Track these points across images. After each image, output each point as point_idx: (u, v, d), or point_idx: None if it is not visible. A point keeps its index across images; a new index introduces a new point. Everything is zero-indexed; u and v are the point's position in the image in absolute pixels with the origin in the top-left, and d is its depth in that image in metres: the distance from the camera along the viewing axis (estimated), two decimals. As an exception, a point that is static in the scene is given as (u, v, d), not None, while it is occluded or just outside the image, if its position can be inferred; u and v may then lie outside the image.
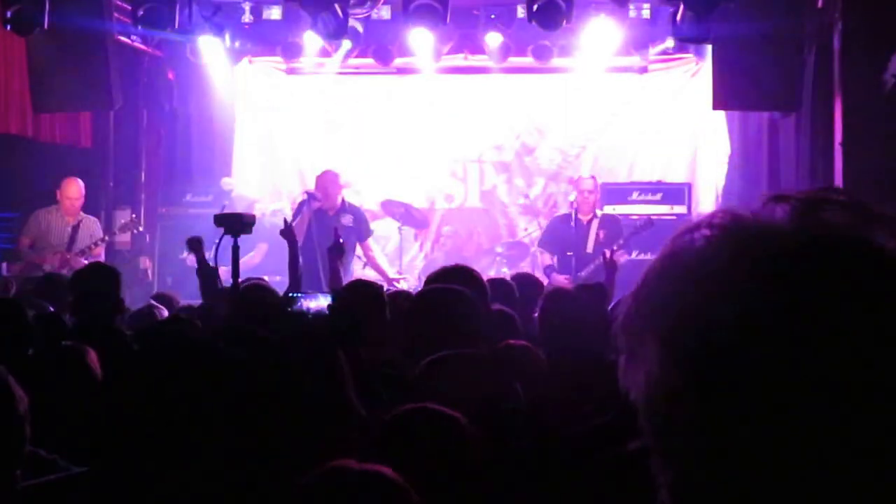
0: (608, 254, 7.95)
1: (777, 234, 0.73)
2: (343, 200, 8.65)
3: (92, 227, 8.84)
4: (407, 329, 2.88)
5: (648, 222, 8.66)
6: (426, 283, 3.86)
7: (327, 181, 8.59)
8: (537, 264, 9.92)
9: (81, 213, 8.84)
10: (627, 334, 0.78)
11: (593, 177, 9.39)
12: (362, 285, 3.84)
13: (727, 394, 0.70)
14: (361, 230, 8.54)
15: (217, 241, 4.44)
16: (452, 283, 3.44)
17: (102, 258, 8.72)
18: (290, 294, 3.32)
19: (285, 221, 6.56)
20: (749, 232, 0.75)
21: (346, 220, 8.43)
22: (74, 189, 8.74)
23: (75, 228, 8.67)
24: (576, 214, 8.79)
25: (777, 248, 0.72)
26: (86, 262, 8.06)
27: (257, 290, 4.06)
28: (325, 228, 8.08)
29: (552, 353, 3.51)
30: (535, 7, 7.69)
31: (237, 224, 4.38)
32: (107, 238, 8.88)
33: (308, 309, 3.24)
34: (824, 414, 0.69)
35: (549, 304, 3.80)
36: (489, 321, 3.40)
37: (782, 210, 0.75)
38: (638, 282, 0.79)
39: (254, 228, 5.02)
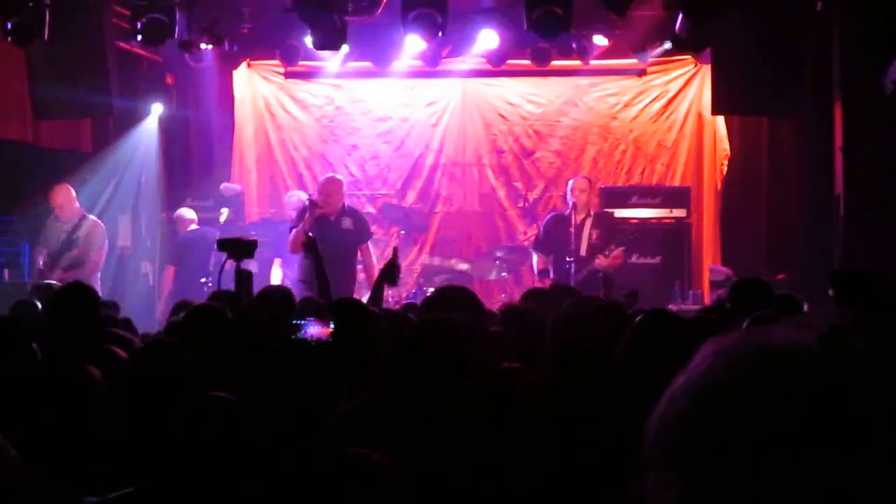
0: (604, 258, 8.08)
1: (803, 360, 0.73)
2: (344, 204, 8.63)
3: (89, 233, 8.58)
4: (406, 362, 2.90)
5: (636, 228, 8.74)
6: (424, 308, 3.86)
7: (330, 186, 8.53)
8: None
9: (82, 217, 8.61)
10: (653, 457, 0.78)
11: (587, 177, 9.28)
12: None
13: None
14: (362, 234, 8.52)
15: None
16: (452, 308, 3.46)
17: (100, 265, 8.60)
18: (294, 321, 3.30)
19: (308, 236, 6.47)
20: (774, 356, 0.75)
21: (347, 223, 8.41)
22: (57, 197, 8.57)
23: (70, 234, 8.52)
24: (572, 215, 8.58)
25: (804, 375, 0.72)
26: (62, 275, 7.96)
27: (203, 311, 3.99)
28: (326, 233, 8.08)
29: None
30: (534, 16, 7.66)
31: (239, 248, 4.36)
32: (102, 247, 8.63)
33: (312, 336, 3.22)
34: None
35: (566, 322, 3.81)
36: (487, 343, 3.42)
37: (808, 336, 0.75)
38: (661, 405, 0.79)
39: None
